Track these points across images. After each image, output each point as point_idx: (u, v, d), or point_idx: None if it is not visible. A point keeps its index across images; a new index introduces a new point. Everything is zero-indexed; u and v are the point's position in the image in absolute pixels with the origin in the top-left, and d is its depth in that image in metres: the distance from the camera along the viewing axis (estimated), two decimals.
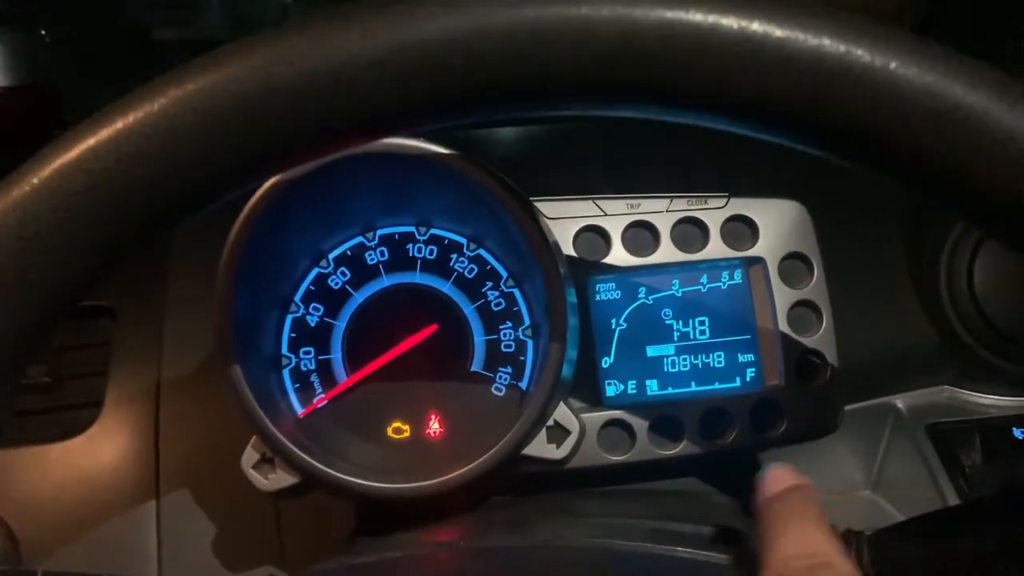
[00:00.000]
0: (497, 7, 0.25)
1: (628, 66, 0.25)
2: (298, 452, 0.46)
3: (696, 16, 0.25)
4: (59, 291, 0.27)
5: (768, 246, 0.52)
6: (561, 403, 0.48)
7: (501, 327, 0.52)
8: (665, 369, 0.52)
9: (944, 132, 0.25)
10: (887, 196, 0.63)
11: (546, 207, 0.51)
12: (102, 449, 0.58)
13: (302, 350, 0.52)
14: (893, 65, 0.25)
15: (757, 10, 0.25)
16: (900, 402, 0.65)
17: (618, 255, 0.52)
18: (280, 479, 0.47)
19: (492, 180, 0.45)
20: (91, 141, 0.26)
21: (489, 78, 0.26)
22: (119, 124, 0.26)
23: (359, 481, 0.46)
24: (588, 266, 0.51)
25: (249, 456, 0.47)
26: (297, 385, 0.52)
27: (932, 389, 0.66)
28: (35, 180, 0.26)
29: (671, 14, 0.25)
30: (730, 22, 0.25)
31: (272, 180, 0.45)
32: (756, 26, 0.25)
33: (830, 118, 0.26)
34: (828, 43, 0.25)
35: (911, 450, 0.64)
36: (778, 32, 0.25)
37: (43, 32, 0.75)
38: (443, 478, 0.46)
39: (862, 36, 0.25)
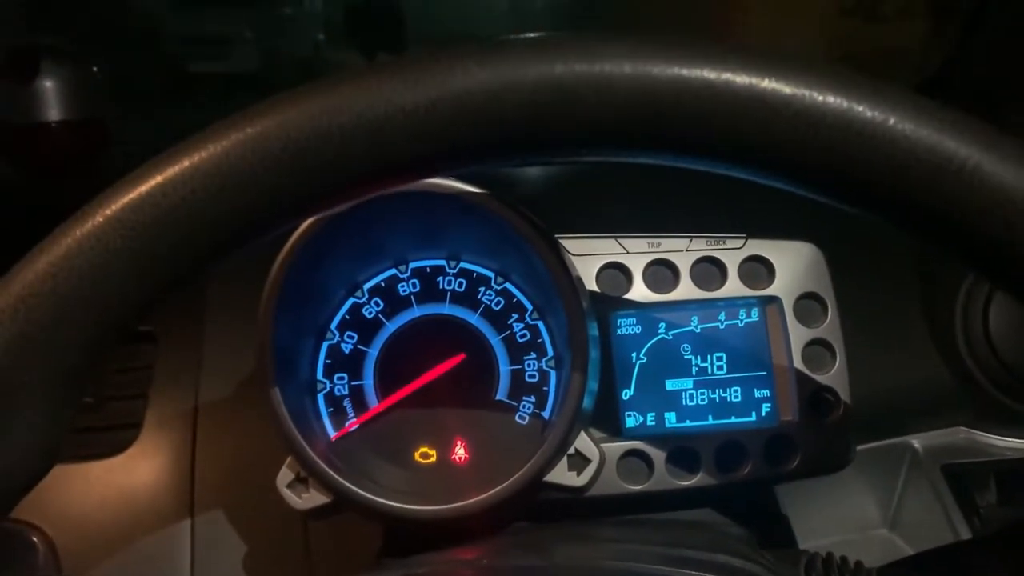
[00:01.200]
0: (526, 64, 0.28)
1: (647, 119, 0.28)
2: (331, 472, 0.48)
3: (710, 74, 0.27)
4: (120, 316, 0.29)
5: (784, 286, 0.54)
6: (582, 433, 0.50)
7: (525, 358, 0.54)
8: (683, 402, 0.54)
9: (938, 185, 0.27)
10: (902, 238, 0.65)
11: (570, 244, 0.53)
12: (140, 468, 0.61)
13: (336, 376, 0.54)
14: (892, 120, 0.27)
15: (768, 69, 0.28)
16: (916, 442, 0.66)
17: (639, 291, 0.54)
18: (313, 498, 0.49)
19: (519, 218, 0.48)
20: (158, 178, 0.28)
21: (517, 128, 0.28)
22: (184, 163, 0.28)
23: (387, 502, 0.48)
24: (610, 301, 0.54)
25: (284, 476, 0.49)
26: (331, 409, 0.54)
27: (948, 430, 0.67)
28: (108, 212, 0.29)
29: (687, 72, 0.28)
30: (742, 80, 0.27)
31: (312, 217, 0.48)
32: (766, 83, 0.27)
33: (833, 170, 0.28)
34: (832, 100, 0.27)
35: (927, 490, 0.65)
36: (786, 89, 0.27)
37: (94, 68, 0.79)
38: (467, 501, 0.48)
39: (864, 93, 0.27)
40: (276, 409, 0.48)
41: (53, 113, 0.74)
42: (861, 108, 0.27)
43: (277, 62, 1.18)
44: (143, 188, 0.28)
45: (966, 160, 0.27)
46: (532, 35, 0.30)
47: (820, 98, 0.27)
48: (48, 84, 0.74)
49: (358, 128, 0.28)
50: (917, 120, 0.27)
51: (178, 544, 0.59)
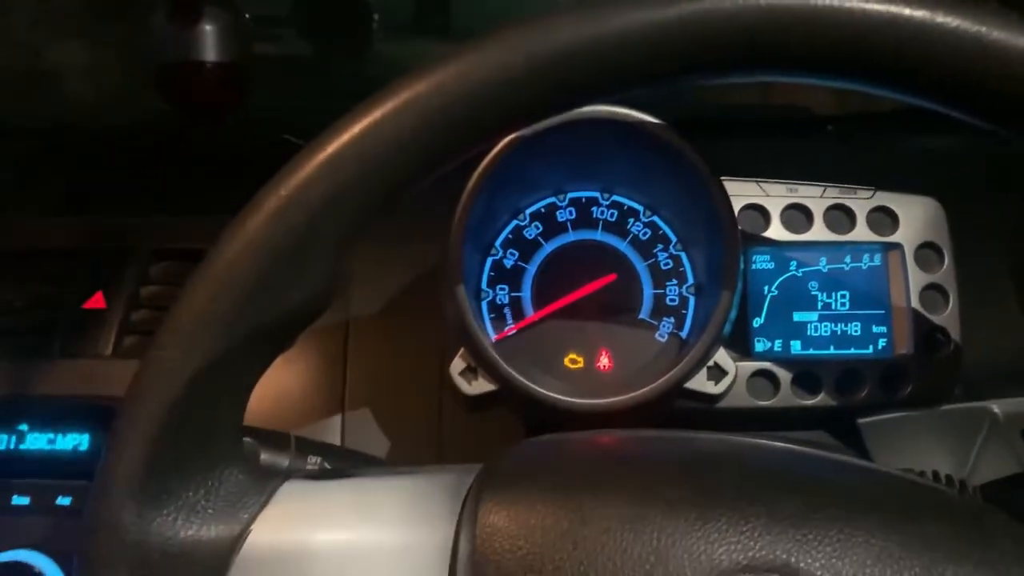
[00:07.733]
0: None
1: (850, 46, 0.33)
2: (501, 362, 0.55)
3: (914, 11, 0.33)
4: (402, 185, 0.35)
5: (906, 235, 0.60)
6: (721, 348, 0.57)
7: (667, 283, 0.61)
8: (808, 333, 0.60)
9: None
10: (1014, 206, 0.69)
11: None
12: (295, 369, 0.67)
13: (498, 287, 0.61)
14: None
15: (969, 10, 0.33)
16: (996, 407, 0.70)
17: (775, 231, 0.60)
18: (480, 385, 0.56)
19: (694, 152, 0.55)
20: (407, 94, 0.34)
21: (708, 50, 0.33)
22: (421, 87, 0.33)
23: (548, 392, 0.55)
24: (748, 238, 0.60)
25: (456, 365, 0.56)
26: (493, 316, 0.61)
27: None
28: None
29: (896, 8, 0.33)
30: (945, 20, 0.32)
31: (499, 146, 0.55)
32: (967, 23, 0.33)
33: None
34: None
35: (1006, 455, 0.69)
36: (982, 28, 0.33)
37: (247, 16, 0.86)
38: (619, 397, 0.54)
39: None
40: (460, 304, 0.55)
41: (210, 55, 0.81)
42: None
43: (330, 47, 1.19)
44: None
45: None
46: None
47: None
48: (208, 28, 0.81)
49: (563, 57, 0.32)
50: None
51: (328, 436, 0.65)
